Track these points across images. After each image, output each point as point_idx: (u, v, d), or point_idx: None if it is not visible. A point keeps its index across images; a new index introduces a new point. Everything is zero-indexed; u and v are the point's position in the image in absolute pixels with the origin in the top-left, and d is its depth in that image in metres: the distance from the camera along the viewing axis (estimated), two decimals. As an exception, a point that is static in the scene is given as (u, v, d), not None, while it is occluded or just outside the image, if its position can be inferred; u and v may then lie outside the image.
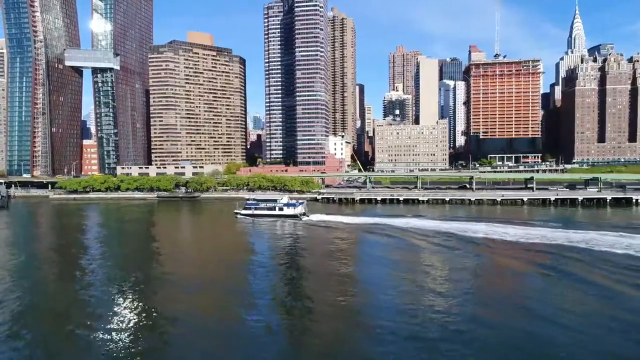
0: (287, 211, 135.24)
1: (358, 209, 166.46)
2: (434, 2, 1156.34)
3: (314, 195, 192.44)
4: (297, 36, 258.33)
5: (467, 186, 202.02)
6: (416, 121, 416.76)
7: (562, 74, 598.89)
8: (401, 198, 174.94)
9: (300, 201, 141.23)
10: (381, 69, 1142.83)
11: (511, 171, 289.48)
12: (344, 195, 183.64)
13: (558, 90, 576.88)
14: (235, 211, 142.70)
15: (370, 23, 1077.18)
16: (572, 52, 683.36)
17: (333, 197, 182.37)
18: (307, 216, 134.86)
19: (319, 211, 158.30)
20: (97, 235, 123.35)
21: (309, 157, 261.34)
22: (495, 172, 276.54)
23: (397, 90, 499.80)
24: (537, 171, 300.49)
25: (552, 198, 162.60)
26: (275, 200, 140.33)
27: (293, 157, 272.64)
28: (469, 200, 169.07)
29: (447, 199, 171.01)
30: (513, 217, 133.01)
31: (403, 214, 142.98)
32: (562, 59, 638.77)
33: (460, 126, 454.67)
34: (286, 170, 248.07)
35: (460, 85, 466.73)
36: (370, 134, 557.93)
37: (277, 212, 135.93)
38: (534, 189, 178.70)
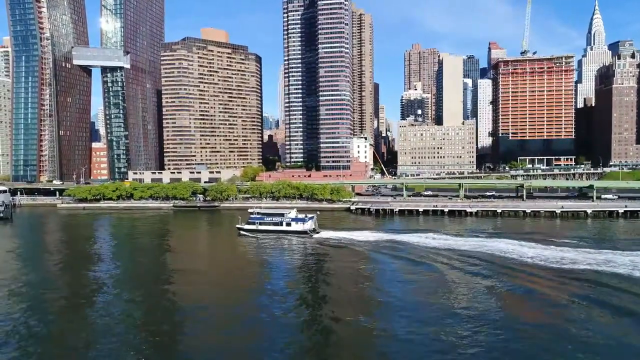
0: (295, 227, 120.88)
1: (397, 221, 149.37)
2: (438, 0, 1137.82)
3: (346, 205, 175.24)
4: (320, 31, 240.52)
5: (516, 195, 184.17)
6: (438, 121, 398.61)
7: (587, 71, 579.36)
8: (446, 209, 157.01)
9: (309, 216, 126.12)
10: (387, 67, 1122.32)
11: (564, 175, 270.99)
12: (381, 205, 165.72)
13: (581, 88, 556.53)
14: (238, 226, 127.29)
15: (374, 21, 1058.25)
16: (591, 49, 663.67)
17: (369, 208, 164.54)
18: (318, 232, 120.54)
19: (348, 225, 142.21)
20: (109, 256, 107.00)
21: (333, 161, 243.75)
22: (535, 175, 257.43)
23: (416, 89, 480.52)
24: (574, 175, 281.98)
25: (620, 210, 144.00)
26: (282, 215, 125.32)
27: (315, 160, 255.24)
28: (524, 212, 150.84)
29: (499, 210, 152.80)
30: (591, 235, 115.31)
31: (449, 229, 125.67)
32: (584, 55, 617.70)
33: (484, 126, 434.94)
34: (309, 176, 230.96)
35: (483, 84, 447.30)
36: (383, 134, 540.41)
37: (284, 227, 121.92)
38: (594, 198, 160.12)
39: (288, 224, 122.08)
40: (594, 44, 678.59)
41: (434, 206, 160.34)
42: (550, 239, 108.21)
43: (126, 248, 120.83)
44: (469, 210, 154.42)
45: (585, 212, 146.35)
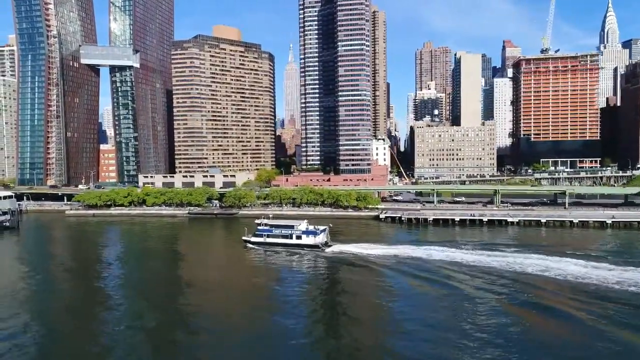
0: (306, 240, 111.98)
1: (431, 232, 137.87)
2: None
3: (374, 213, 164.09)
4: (339, 28, 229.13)
5: (548, 202, 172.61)
6: (453, 122, 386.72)
7: (605, 69, 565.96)
8: (484, 218, 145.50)
9: (321, 228, 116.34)
10: (390, 65, 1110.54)
11: (590, 178, 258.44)
12: (413, 214, 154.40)
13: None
14: (244, 238, 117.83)
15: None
16: (604, 47, 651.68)
17: (400, 217, 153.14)
18: (330, 246, 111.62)
19: (377, 236, 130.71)
20: (121, 275, 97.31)
21: (353, 165, 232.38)
22: (560, 178, 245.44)
23: (430, 89, 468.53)
24: (601, 178, 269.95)
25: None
26: (292, 227, 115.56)
27: (333, 163, 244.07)
28: (570, 222, 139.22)
29: (543, 220, 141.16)
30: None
31: (494, 241, 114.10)
32: (601, 53, 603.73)
33: (501, 126, 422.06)
34: (329, 180, 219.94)
35: (500, 83, 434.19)
36: (392, 134, 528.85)
37: (293, 240, 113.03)
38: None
39: (298, 237, 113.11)
40: (607, 42, 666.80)
41: (471, 215, 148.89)
42: (617, 256, 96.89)
43: (139, 264, 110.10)
44: (509, 219, 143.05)
45: (638, 222, 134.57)
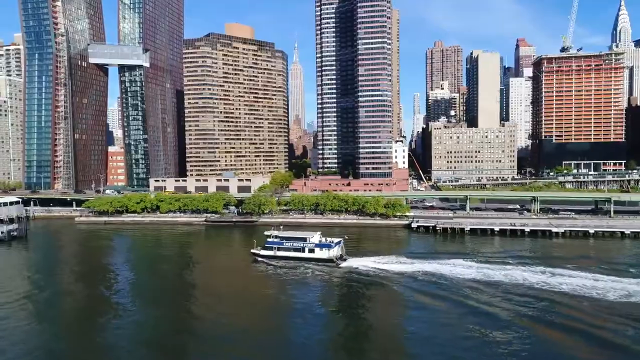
0: (320, 253, 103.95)
1: (473, 244, 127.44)
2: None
3: (403, 222, 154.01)
4: (359, 26, 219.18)
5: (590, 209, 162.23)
6: (469, 123, 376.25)
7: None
8: (526, 229, 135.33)
9: (336, 240, 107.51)
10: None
11: (617, 181, 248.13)
12: (449, 223, 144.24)
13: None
14: (253, 251, 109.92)
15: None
16: (616, 47, 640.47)
17: (434, 226, 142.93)
18: (345, 260, 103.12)
19: (411, 247, 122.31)
20: (138, 294, 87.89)
21: (374, 168, 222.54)
22: (586, 181, 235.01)
23: (442, 89, 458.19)
24: (629, 182, 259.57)
25: None
26: (304, 239, 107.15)
27: (352, 166, 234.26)
28: (622, 232, 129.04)
29: (591, 231, 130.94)
30: None
31: (547, 257, 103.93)
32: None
33: (517, 127, 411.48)
34: (349, 184, 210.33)
35: (516, 82, 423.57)
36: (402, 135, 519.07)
37: (306, 254, 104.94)
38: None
39: (311, 250, 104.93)
40: (619, 41, 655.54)
41: (511, 224, 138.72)
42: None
43: (156, 281, 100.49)
44: (554, 230, 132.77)
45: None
